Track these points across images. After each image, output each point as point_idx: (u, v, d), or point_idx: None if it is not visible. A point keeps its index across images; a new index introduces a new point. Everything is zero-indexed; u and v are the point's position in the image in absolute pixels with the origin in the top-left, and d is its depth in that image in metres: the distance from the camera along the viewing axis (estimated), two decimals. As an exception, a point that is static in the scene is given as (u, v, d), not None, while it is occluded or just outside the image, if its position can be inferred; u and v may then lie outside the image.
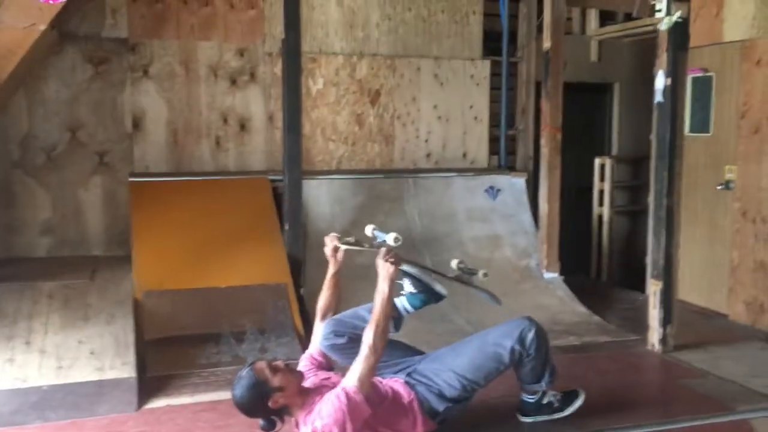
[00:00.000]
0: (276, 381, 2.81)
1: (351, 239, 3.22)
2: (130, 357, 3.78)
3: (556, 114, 5.41)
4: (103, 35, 5.15)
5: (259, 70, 5.53)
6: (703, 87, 5.20)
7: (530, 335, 3.07)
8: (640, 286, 6.07)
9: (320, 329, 3.26)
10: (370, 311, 3.00)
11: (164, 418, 3.33)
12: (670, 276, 4.31)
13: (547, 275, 5.52)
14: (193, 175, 5.29)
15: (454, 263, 3.28)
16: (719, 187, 5.13)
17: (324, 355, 3.27)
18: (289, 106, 4.79)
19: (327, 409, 2.80)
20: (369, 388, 2.85)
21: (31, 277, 4.50)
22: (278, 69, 5.47)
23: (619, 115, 6.78)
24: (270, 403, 2.81)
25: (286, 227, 4.86)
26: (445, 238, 5.60)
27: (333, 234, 3.25)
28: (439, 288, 3.20)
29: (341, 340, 3.10)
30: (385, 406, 2.96)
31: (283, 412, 2.91)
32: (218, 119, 5.48)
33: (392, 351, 3.20)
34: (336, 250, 3.21)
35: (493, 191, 5.85)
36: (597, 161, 6.56)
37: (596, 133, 6.89)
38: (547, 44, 5.40)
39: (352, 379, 2.82)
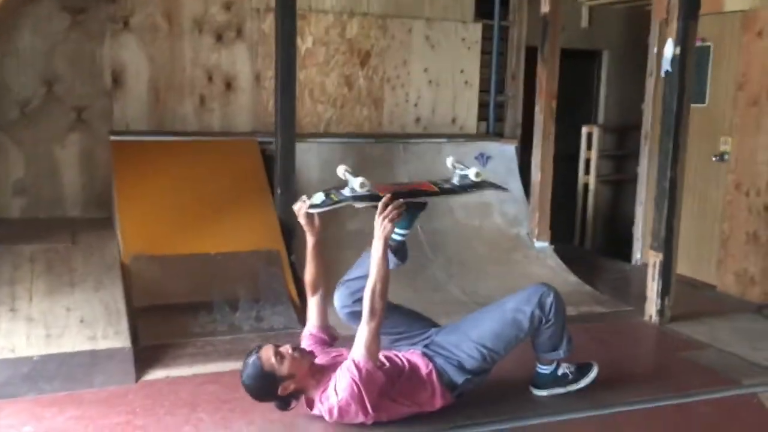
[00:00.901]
0: (284, 369, 2.70)
1: (319, 196, 2.87)
2: (123, 325, 3.59)
3: (552, 80, 5.30)
4: (81, -17, 4.85)
5: (246, 26, 5.27)
6: (700, 57, 5.13)
7: (549, 299, 2.99)
8: (625, 255, 6.10)
9: (315, 303, 3.10)
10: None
11: (166, 390, 3.18)
12: (671, 248, 4.29)
13: (538, 244, 5.48)
14: (177, 135, 5.06)
15: (449, 161, 3.13)
16: (714, 159, 5.12)
17: (326, 331, 3.14)
18: (282, 65, 4.57)
19: (341, 384, 2.71)
20: (377, 354, 2.74)
21: (9, 239, 4.25)
22: (266, 26, 5.25)
23: (607, 83, 6.72)
24: (279, 391, 2.71)
25: (278, 191, 4.68)
26: (434, 205, 5.46)
27: (300, 201, 2.91)
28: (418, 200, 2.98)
29: (360, 306, 2.94)
30: (403, 379, 2.88)
31: (295, 395, 2.80)
32: (203, 77, 5.23)
33: (409, 322, 3.11)
34: (310, 217, 2.94)
35: (483, 158, 5.74)
36: (584, 129, 6.51)
37: (582, 100, 6.82)
38: (545, 8, 5.27)
39: (358, 348, 2.71)
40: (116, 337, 3.51)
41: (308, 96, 5.51)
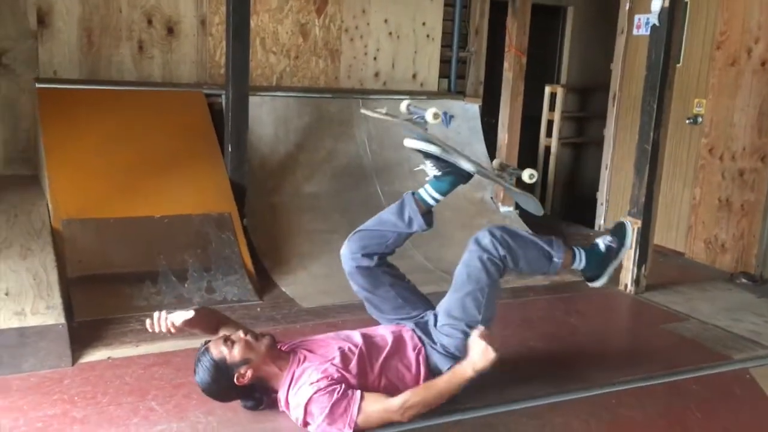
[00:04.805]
0: (236, 354, 2.37)
1: (382, 110, 2.76)
2: (56, 299, 3.16)
3: (522, 36, 5.00)
4: None
5: (190, -37, 4.76)
6: (675, 14, 4.90)
7: (486, 239, 2.63)
8: (587, 220, 5.91)
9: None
10: (396, 214, 2.68)
11: (108, 374, 2.77)
12: (650, 214, 4.08)
13: (503, 209, 5.22)
14: (113, 84, 4.54)
15: (495, 163, 2.94)
16: (687, 122, 4.92)
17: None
18: (235, 8, 4.11)
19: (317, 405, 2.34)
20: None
21: None
22: (213, -36, 4.74)
23: (571, 41, 6.44)
24: (236, 380, 2.36)
25: (229, 149, 4.25)
26: (395, 167, 5.15)
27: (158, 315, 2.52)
28: (466, 166, 2.69)
29: (369, 262, 2.65)
30: (384, 359, 2.54)
31: (258, 387, 2.45)
32: (141, 19, 4.70)
33: (413, 302, 2.77)
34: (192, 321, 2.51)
35: (446, 117, 5.38)
36: (548, 89, 6.24)
37: (544, 59, 6.53)
38: (515, -42, 4.93)
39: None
40: (48, 313, 3.07)
41: (259, 45, 5.04)
